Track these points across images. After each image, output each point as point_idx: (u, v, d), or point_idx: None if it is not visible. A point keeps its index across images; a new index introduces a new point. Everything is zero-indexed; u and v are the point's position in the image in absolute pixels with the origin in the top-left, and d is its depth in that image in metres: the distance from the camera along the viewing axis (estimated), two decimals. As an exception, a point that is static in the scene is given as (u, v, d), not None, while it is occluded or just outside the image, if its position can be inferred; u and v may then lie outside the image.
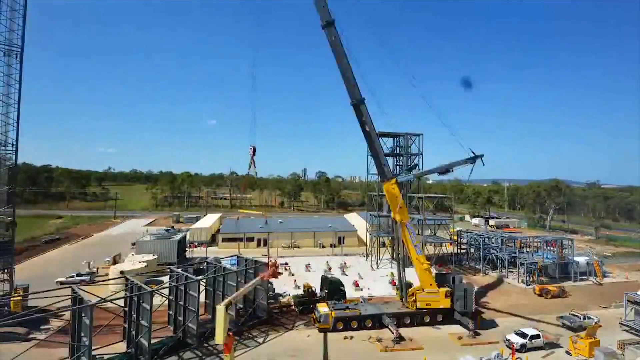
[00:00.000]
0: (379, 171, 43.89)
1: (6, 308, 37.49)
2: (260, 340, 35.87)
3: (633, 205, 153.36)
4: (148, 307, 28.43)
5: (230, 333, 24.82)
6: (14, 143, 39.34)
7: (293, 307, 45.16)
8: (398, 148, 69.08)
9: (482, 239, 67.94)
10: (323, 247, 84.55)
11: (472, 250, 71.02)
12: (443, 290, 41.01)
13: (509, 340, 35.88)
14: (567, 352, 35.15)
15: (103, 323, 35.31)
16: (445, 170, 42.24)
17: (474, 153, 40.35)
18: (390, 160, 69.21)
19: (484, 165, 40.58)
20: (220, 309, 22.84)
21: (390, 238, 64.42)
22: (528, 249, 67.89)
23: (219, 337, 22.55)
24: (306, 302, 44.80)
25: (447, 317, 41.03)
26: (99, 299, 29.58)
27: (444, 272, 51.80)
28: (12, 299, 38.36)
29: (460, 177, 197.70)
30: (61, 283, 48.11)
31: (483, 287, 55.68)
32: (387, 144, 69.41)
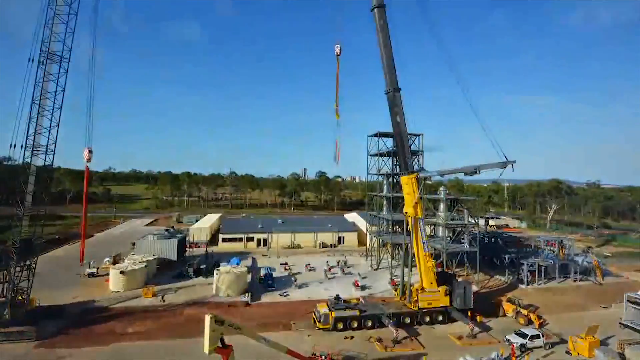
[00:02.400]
0: (401, 163, 44.13)
1: (6, 312, 36.40)
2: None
3: (633, 205, 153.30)
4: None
5: (230, 345, 24.75)
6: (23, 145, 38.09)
7: None
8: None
9: (481, 239, 67.83)
10: (324, 246, 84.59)
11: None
12: (442, 288, 41.50)
13: (509, 340, 35.92)
14: (567, 352, 35.18)
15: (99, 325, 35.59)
16: (473, 171, 41.60)
17: (506, 158, 39.43)
18: (390, 160, 69.39)
19: (513, 171, 39.38)
20: (208, 318, 23.15)
21: (390, 241, 64.25)
22: (528, 249, 67.83)
23: (206, 347, 23.08)
24: None
25: (447, 317, 41.14)
26: None
27: (445, 271, 51.77)
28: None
29: (460, 177, 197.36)
30: None
31: (482, 287, 55.68)
32: (386, 144, 69.52)
